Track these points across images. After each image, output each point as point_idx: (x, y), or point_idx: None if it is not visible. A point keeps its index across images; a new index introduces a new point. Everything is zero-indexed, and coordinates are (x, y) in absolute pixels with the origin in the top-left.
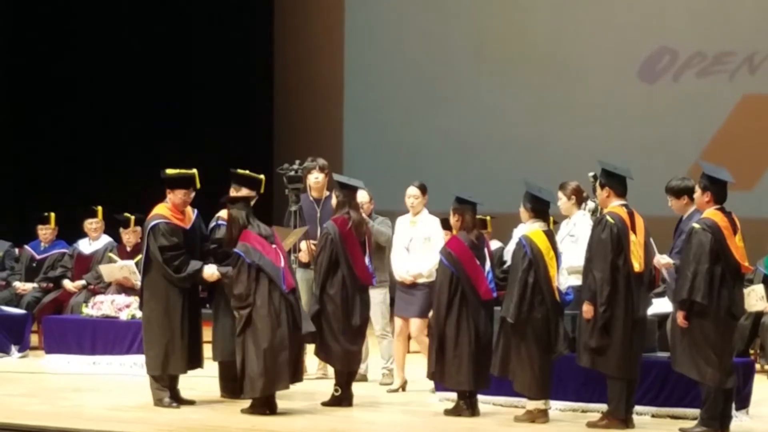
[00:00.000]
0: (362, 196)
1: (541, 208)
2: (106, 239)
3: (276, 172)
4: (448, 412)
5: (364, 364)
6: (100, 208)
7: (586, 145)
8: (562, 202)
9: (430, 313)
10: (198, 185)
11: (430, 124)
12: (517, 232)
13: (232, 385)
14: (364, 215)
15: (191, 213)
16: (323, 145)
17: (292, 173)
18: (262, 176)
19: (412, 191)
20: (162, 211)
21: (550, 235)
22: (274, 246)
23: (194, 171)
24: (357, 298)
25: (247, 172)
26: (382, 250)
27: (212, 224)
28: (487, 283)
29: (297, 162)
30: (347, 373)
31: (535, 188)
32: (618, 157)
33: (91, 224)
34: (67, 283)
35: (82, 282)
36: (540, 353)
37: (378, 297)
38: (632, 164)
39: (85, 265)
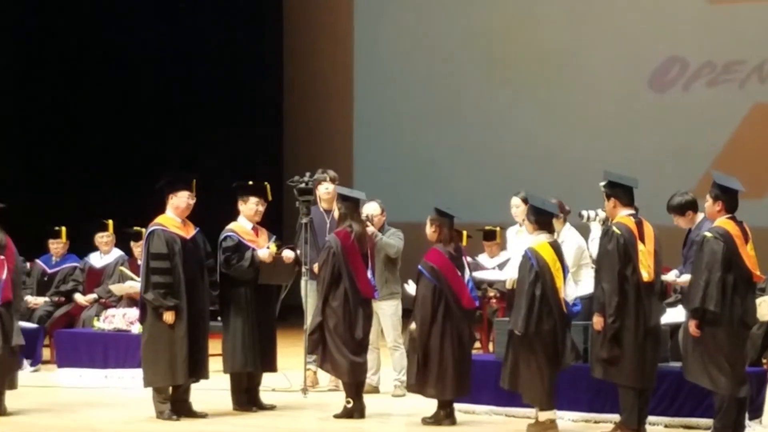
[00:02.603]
0: (373, 209)
1: (545, 220)
2: (117, 253)
3: (286, 185)
4: (426, 421)
5: (376, 376)
6: (110, 222)
7: (597, 156)
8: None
9: (412, 326)
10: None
11: (441, 135)
12: (510, 238)
13: (244, 397)
14: (371, 228)
15: (192, 226)
16: (333, 156)
17: (303, 185)
18: (265, 183)
19: (515, 201)
20: (161, 219)
21: (556, 247)
22: (2, 257)
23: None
24: (359, 311)
25: (251, 182)
26: (394, 263)
27: (222, 236)
28: (469, 292)
29: (307, 174)
30: (355, 384)
31: (539, 200)
32: (629, 167)
33: (102, 238)
34: (79, 297)
35: (94, 296)
36: (549, 365)
37: (390, 309)
38: (643, 174)
39: (96, 278)
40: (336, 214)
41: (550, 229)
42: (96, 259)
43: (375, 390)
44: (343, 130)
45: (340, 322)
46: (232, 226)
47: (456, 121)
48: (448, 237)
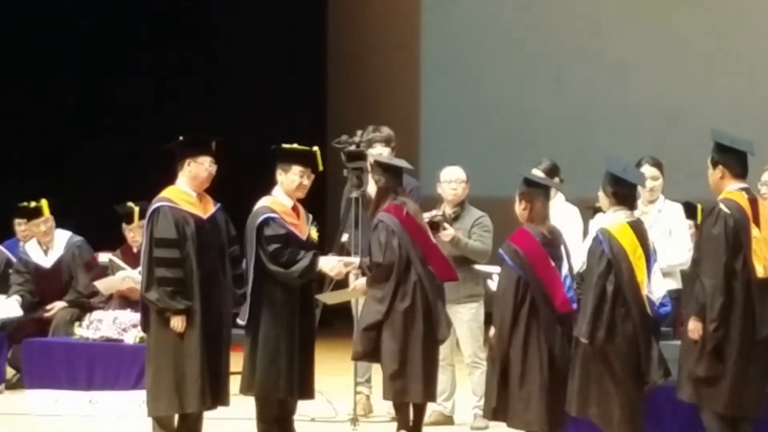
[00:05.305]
0: (457, 174)
1: (625, 193)
2: (63, 237)
3: (331, 147)
4: None
5: (450, 401)
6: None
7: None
8: (659, 183)
9: (491, 331)
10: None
11: (539, 87)
12: (594, 226)
13: (274, 429)
14: (450, 230)
15: (211, 202)
16: (391, 113)
17: (353, 147)
18: (315, 148)
19: (650, 172)
20: (169, 193)
21: (638, 228)
22: None
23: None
24: (438, 303)
25: (296, 146)
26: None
27: (260, 219)
28: (565, 290)
29: (359, 133)
30: (419, 406)
31: (618, 166)
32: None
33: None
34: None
35: (62, 303)
36: (629, 383)
37: (468, 314)
38: None
39: (54, 285)
40: (371, 189)
41: (631, 205)
42: (36, 253)
43: (448, 420)
44: (407, 78)
45: (416, 323)
46: (268, 203)
47: (558, 68)
48: (542, 215)
